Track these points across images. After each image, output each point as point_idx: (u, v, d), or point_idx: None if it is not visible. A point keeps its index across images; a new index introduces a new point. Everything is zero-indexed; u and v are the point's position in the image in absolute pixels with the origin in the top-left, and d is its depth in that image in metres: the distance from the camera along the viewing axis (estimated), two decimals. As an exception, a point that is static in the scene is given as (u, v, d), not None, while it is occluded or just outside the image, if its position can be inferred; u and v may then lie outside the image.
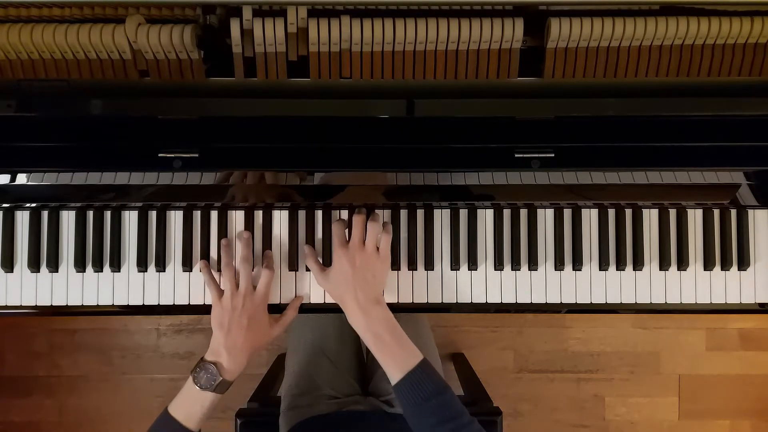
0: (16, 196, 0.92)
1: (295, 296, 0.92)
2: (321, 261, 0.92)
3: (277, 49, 0.84)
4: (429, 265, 0.93)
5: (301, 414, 1.02)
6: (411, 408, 0.78)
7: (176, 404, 0.82)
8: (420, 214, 0.93)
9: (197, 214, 0.93)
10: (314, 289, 0.93)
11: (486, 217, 0.94)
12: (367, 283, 0.83)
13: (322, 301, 0.93)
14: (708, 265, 0.93)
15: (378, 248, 0.86)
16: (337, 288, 0.85)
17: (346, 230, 0.88)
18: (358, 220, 0.86)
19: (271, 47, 0.83)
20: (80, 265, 0.92)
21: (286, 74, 0.87)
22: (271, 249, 0.92)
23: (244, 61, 0.85)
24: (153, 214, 0.93)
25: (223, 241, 0.90)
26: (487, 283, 0.93)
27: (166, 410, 0.82)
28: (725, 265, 0.93)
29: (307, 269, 0.92)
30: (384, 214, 0.93)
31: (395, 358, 0.80)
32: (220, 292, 0.87)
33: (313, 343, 1.10)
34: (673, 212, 0.94)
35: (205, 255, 0.92)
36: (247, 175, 0.91)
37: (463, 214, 0.93)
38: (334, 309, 0.90)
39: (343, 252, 0.84)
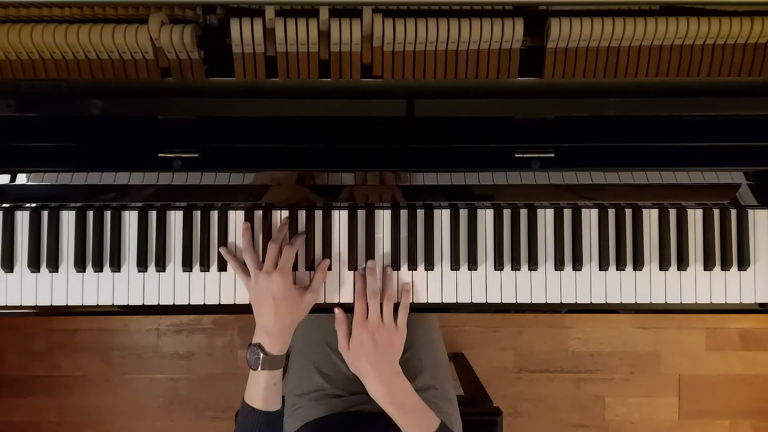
0: (16, 196, 0.92)
1: (322, 259, 0.93)
2: (323, 258, 0.92)
3: (277, 49, 0.84)
4: (429, 265, 0.93)
5: (307, 414, 1.02)
6: None
7: (246, 390, 0.88)
8: (420, 214, 0.93)
9: (197, 214, 0.93)
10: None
11: (486, 217, 0.94)
12: (387, 358, 0.87)
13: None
14: (708, 265, 0.93)
15: (396, 321, 0.89)
16: (359, 362, 0.87)
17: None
18: (372, 298, 0.89)
19: (271, 47, 0.83)
20: (80, 265, 0.92)
21: (286, 74, 0.87)
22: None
23: (244, 60, 0.85)
24: (153, 214, 0.93)
25: (243, 225, 0.91)
26: (487, 283, 0.93)
27: (242, 398, 0.88)
28: (725, 265, 0.93)
29: (306, 269, 0.93)
30: (384, 214, 0.93)
31: (417, 425, 0.85)
32: (248, 276, 0.89)
33: (318, 342, 1.10)
34: (673, 212, 0.94)
35: (205, 255, 0.92)
36: (248, 176, 0.91)
37: (463, 214, 0.93)
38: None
39: (363, 328, 0.88)
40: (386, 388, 0.85)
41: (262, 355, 0.85)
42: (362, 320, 0.88)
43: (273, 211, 0.93)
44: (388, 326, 0.88)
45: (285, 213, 0.93)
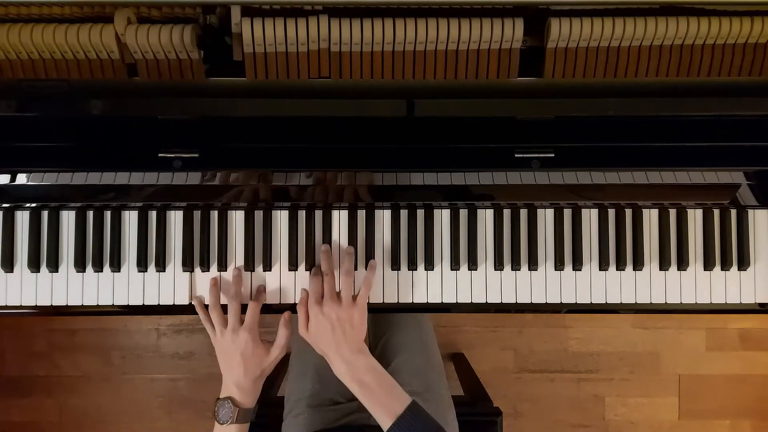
0: (16, 196, 0.92)
1: (283, 313, 0.92)
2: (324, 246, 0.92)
3: (277, 48, 0.84)
4: (429, 265, 0.93)
5: (304, 422, 1.02)
6: None
7: None
8: (420, 214, 0.93)
9: (197, 214, 0.93)
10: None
11: (486, 217, 0.94)
12: (347, 336, 0.84)
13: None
14: (708, 265, 0.93)
15: (354, 298, 0.87)
16: (319, 343, 0.86)
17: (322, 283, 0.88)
18: (327, 277, 0.87)
19: (271, 47, 0.83)
20: (80, 265, 0.92)
21: (286, 74, 0.87)
22: (270, 248, 0.92)
23: (244, 59, 0.85)
24: (153, 214, 0.93)
25: (210, 281, 0.91)
26: (487, 283, 0.93)
27: None
28: (725, 265, 0.93)
29: (307, 269, 0.92)
30: (384, 214, 0.93)
31: (384, 405, 0.81)
32: (214, 330, 0.89)
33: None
34: (673, 212, 0.94)
35: (205, 255, 0.92)
36: (248, 175, 0.91)
37: (463, 214, 0.93)
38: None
39: (318, 309, 0.85)
40: (347, 367, 0.83)
41: (233, 408, 0.85)
42: (317, 300, 0.86)
43: (273, 211, 0.93)
44: (345, 303, 0.85)
45: (285, 213, 0.93)
